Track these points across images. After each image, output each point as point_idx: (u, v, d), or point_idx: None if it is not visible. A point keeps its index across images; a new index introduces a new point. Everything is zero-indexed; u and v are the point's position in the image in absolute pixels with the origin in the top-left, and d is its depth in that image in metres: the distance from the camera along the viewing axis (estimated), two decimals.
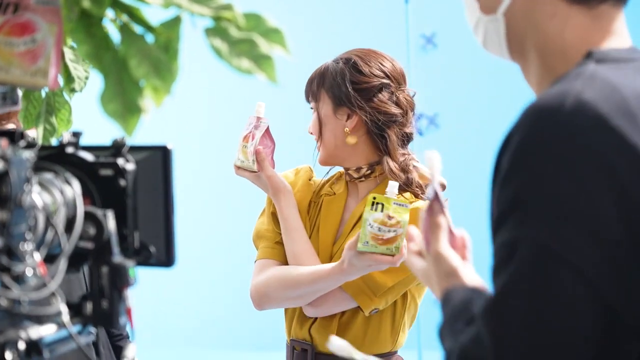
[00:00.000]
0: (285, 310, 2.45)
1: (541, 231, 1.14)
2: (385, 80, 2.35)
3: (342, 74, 2.34)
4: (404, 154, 2.36)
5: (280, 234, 2.41)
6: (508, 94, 5.32)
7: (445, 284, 1.36)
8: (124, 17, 1.24)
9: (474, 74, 5.51)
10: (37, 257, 1.16)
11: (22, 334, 1.15)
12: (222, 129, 5.10)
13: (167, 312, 5.54)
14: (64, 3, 1.23)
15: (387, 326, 2.35)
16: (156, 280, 4.47)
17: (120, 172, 1.25)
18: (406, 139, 2.38)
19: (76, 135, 1.27)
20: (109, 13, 1.24)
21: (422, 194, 2.34)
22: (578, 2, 1.30)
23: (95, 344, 2.28)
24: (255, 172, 2.39)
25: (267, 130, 2.38)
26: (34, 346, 1.17)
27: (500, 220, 1.19)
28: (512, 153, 1.18)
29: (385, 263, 2.16)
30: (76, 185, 1.23)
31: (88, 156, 1.26)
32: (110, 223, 1.21)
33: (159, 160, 1.28)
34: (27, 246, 1.15)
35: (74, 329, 1.20)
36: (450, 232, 1.42)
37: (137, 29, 1.24)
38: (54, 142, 1.51)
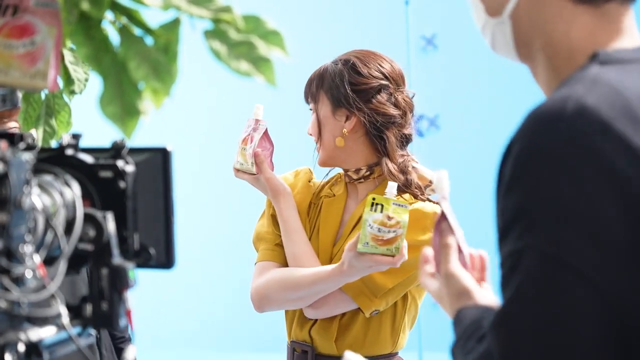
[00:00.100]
0: (286, 311, 2.45)
1: (545, 240, 1.13)
2: (384, 82, 2.35)
3: (341, 75, 2.35)
4: (402, 155, 2.36)
5: (280, 236, 2.41)
6: (509, 95, 5.32)
7: (457, 305, 1.36)
8: (123, 20, 1.24)
9: (475, 75, 5.51)
10: (37, 259, 1.16)
11: (22, 336, 1.15)
12: (221, 131, 5.10)
13: (167, 313, 5.53)
14: (64, 5, 1.23)
15: (388, 327, 2.35)
16: (156, 282, 4.48)
17: (120, 174, 1.25)
18: (405, 140, 2.38)
19: (76, 137, 1.27)
20: (108, 15, 1.24)
21: (421, 194, 2.34)
22: (583, 1, 1.28)
23: (98, 347, 2.28)
24: (254, 174, 2.39)
25: (266, 133, 2.39)
26: (33, 348, 1.17)
27: (505, 230, 1.18)
28: (513, 161, 1.17)
29: (385, 264, 2.16)
30: (76, 187, 1.23)
31: (88, 158, 1.26)
32: (110, 225, 1.21)
33: (158, 162, 1.28)
34: (27, 248, 1.15)
35: (74, 330, 1.20)
36: (460, 251, 1.41)
37: (137, 31, 1.24)
38: (53, 144, 1.51)
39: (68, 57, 1.45)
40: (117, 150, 1.26)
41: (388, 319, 2.35)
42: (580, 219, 1.13)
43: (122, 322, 1.22)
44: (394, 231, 2.13)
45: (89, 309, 1.22)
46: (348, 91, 2.33)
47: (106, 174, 1.25)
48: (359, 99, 2.33)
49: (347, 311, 2.34)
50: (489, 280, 1.43)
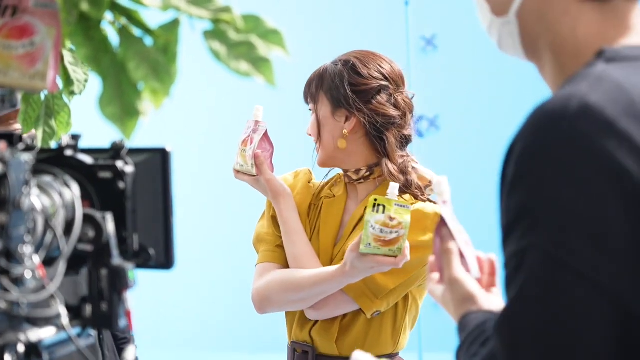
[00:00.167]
0: (286, 312, 2.45)
1: (548, 239, 1.13)
2: (384, 83, 2.35)
3: (341, 76, 2.34)
4: (402, 156, 2.36)
5: (281, 237, 2.41)
6: (508, 95, 5.32)
7: (462, 310, 1.36)
8: (123, 20, 1.24)
9: (475, 76, 5.51)
10: (36, 259, 1.16)
11: (22, 337, 1.16)
12: (221, 131, 5.10)
13: (166, 314, 5.53)
14: (63, 6, 1.23)
15: (388, 328, 2.35)
16: (156, 282, 4.47)
17: (119, 174, 1.25)
18: (405, 141, 2.38)
19: (75, 138, 1.27)
20: (108, 16, 1.24)
21: (421, 195, 2.34)
22: None
23: (100, 347, 2.28)
24: (254, 175, 2.39)
25: (266, 134, 2.39)
26: (33, 349, 1.17)
27: (508, 229, 1.17)
28: (516, 161, 1.17)
29: (387, 264, 2.17)
30: (75, 188, 1.23)
31: (87, 159, 1.26)
32: (109, 225, 1.21)
33: (158, 162, 1.28)
34: (26, 249, 1.15)
35: (74, 331, 1.20)
36: (461, 256, 1.41)
37: (136, 31, 1.24)
38: (53, 145, 1.51)
39: (67, 57, 1.45)
40: (116, 150, 1.26)
41: (389, 320, 2.35)
42: (581, 219, 1.12)
43: (122, 322, 1.22)
44: (396, 232, 2.14)
45: (88, 309, 1.22)
46: (348, 92, 2.33)
47: (105, 174, 1.25)
48: (358, 100, 2.33)
49: (348, 312, 2.34)
50: (498, 285, 1.43)
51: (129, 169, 1.26)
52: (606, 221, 1.12)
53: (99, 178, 1.25)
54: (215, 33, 1.22)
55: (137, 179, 1.26)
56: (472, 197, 4.82)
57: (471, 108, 5.53)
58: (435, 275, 1.44)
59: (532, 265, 1.13)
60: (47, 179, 1.22)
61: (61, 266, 1.17)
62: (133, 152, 1.27)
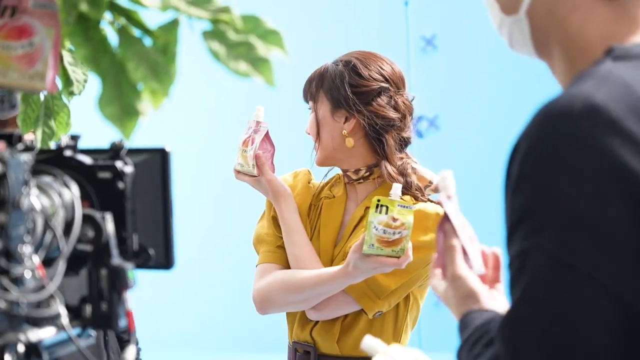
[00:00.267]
0: (287, 312, 2.45)
1: (551, 240, 1.12)
2: (384, 84, 2.35)
3: (342, 77, 2.34)
4: (401, 158, 2.36)
5: (281, 237, 2.41)
6: (509, 95, 5.32)
7: (464, 308, 1.35)
8: (122, 20, 1.24)
9: (475, 76, 5.50)
10: (36, 259, 1.16)
11: (22, 337, 1.16)
12: (220, 131, 5.10)
13: (166, 314, 5.53)
14: (62, 6, 1.23)
15: (390, 328, 2.35)
16: (155, 282, 4.47)
17: (119, 174, 1.25)
18: (404, 143, 2.38)
19: (74, 138, 1.27)
20: (107, 16, 1.24)
21: (421, 196, 2.34)
22: None
23: (105, 348, 2.28)
24: (255, 176, 2.39)
25: (267, 135, 2.39)
26: (33, 349, 1.17)
27: (512, 230, 1.17)
28: (520, 160, 1.16)
29: (390, 265, 2.17)
30: (75, 188, 1.23)
31: (86, 159, 1.26)
32: (109, 225, 1.21)
33: (157, 162, 1.28)
34: (26, 249, 1.15)
35: (74, 331, 1.20)
36: (464, 253, 1.41)
37: (135, 32, 1.24)
38: (52, 145, 1.52)
39: (67, 58, 1.45)
40: (115, 151, 1.26)
41: (390, 320, 2.35)
42: (585, 220, 1.11)
43: (122, 322, 1.22)
44: (399, 232, 2.14)
45: (88, 309, 1.22)
46: (348, 93, 2.33)
47: (105, 174, 1.25)
48: (358, 101, 2.33)
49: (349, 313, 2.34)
50: (502, 280, 1.43)
51: (129, 169, 1.26)
52: (610, 221, 1.11)
53: (99, 178, 1.25)
54: (215, 33, 1.22)
55: (137, 179, 1.26)
56: (472, 197, 4.82)
57: (471, 108, 5.53)
58: (438, 271, 1.44)
59: (536, 266, 1.13)
60: (46, 179, 1.22)
61: (61, 266, 1.17)
62: (132, 152, 1.27)
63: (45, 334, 1.18)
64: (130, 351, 1.26)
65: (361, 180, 2.38)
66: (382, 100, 2.34)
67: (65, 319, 1.18)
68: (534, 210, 1.14)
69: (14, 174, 1.13)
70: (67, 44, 1.36)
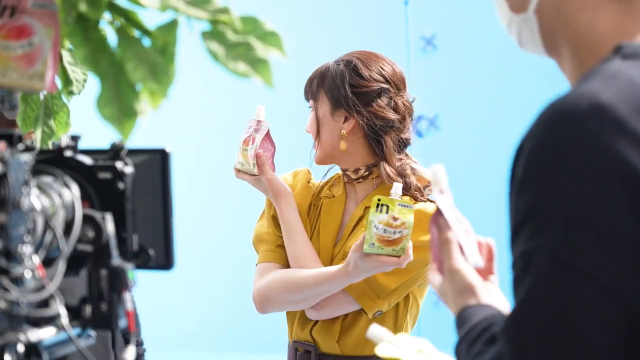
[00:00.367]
0: (287, 312, 2.45)
1: (555, 240, 1.11)
2: (385, 85, 2.34)
3: (342, 76, 2.34)
4: (400, 159, 2.36)
5: (281, 237, 2.41)
6: (508, 95, 5.32)
7: (461, 302, 1.35)
8: (121, 21, 1.24)
9: (474, 76, 5.50)
10: (36, 259, 1.16)
11: (22, 337, 1.16)
12: (219, 132, 5.10)
13: (166, 314, 5.53)
14: (61, 6, 1.23)
15: (390, 327, 2.35)
16: (155, 283, 4.47)
17: (119, 175, 1.25)
18: (403, 144, 2.38)
19: (74, 138, 1.27)
20: (106, 16, 1.24)
21: (421, 196, 2.34)
22: None
23: (113, 349, 2.28)
24: (255, 175, 2.39)
25: (268, 134, 2.39)
26: (33, 349, 1.17)
27: (516, 230, 1.16)
28: (525, 160, 1.15)
29: (391, 264, 2.17)
30: (75, 189, 1.23)
31: (86, 159, 1.26)
32: (109, 226, 1.21)
33: (157, 163, 1.29)
34: (26, 248, 1.15)
35: (74, 331, 1.20)
36: (460, 247, 1.41)
37: (134, 32, 1.25)
38: (52, 144, 1.52)
39: (66, 57, 1.45)
40: (116, 151, 1.26)
41: (390, 319, 2.35)
42: (587, 219, 1.11)
43: (122, 323, 1.22)
44: (399, 232, 2.14)
45: (88, 309, 1.22)
46: (348, 93, 2.33)
47: (105, 175, 1.25)
48: (358, 102, 2.33)
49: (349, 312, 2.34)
50: (495, 272, 1.42)
51: (129, 169, 1.26)
52: (612, 221, 1.10)
53: (99, 179, 1.25)
54: (214, 34, 1.22)
55: (137, 180, 1.27)
56: (472, 197, 4.82)
57: (471, 108, 5.53)
58: (433, 264, 1.43)
59: (540, 266, 1.12)
60: (46, 179, 1.22)
61: (61, 266, 1.17)
62: (132, 152, 1.27)
63: (45, 334, 1.18)
64: (130, 351, 1.26)
65: (360, 180, 2.38)
66: (382, 101, 2.34)
67: (65, 319, 1.18)
68: (539, 211, 1.13)
69: (15, 174, 1.13)
70: (67, 44, 1.36)
